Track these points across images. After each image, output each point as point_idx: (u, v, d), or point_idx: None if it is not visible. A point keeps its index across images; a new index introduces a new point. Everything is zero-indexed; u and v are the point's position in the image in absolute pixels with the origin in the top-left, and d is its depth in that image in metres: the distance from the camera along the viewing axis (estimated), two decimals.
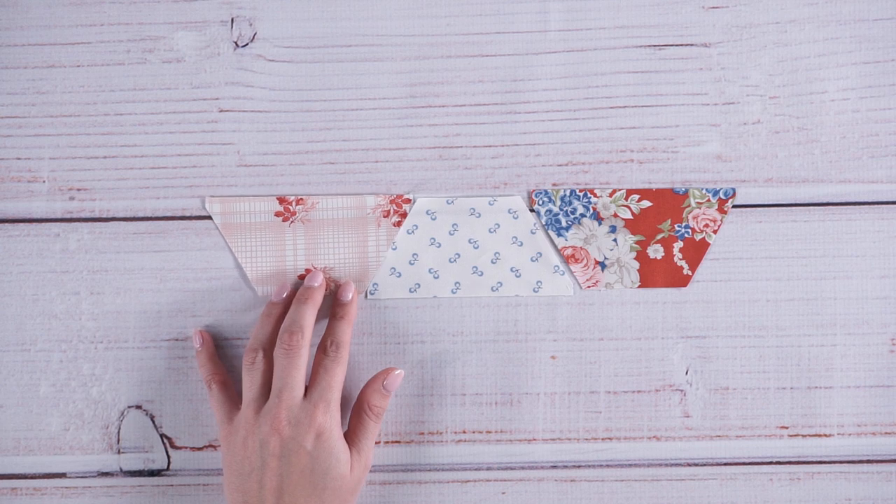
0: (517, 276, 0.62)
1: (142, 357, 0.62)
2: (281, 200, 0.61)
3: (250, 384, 0.57)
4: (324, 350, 0.58)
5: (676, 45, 0.62)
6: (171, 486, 0.62)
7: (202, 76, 0.61)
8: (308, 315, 0.58)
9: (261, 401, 0.57)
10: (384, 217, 0.61)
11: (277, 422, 0.55)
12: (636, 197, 0.62)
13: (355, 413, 0.59)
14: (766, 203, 0.62)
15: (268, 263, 0.61)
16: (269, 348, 0.58)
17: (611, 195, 0.62)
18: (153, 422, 0.62)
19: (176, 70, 0.61)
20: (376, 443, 0.62)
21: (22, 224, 0.61)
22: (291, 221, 0.61)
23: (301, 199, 0.61)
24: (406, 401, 0.62)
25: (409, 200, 0.61)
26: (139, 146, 0.61)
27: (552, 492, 0.62)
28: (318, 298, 0.59)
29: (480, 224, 0.62)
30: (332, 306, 0.60)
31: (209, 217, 0.61)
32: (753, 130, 0.62)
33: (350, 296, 0.60)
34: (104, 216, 0.61)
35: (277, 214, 0.61)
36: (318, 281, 0.60)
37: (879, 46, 0.61)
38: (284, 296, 0.60)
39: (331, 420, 0.56)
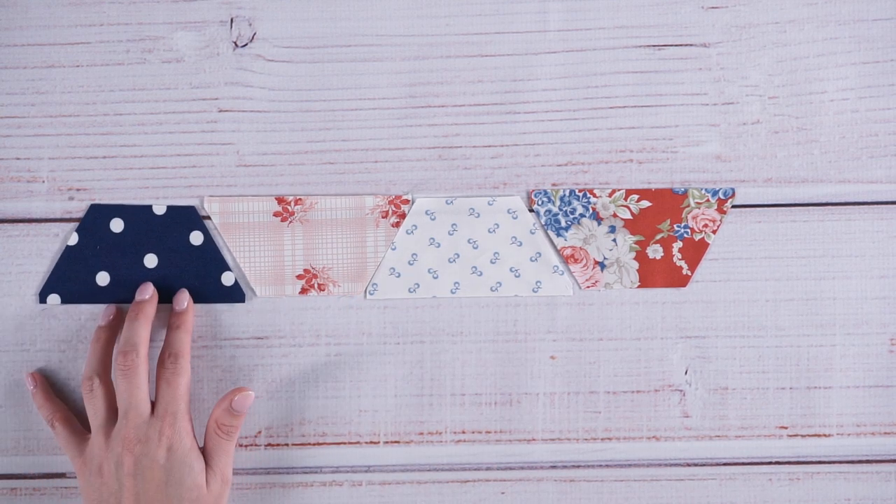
0: (516, 276, 0.62)
1: None
2: (279, 200, 0.61)
3: (94, 412, 0.57)
4: (162, 363, 0.58)
5: (676, 45, 0.62)
6: None
7: (201, 76, 0.61)
8: (140, 331, 0.57)
9: (109, 426, 0.57)
10: (383, 218, 0.61)
11: (128, 441, 0.55)
12: (635, 197, 0.62)
13: (207, 431, 0.58)
14: (765, 203, 0.62)
15: (266, 263, 0.61)
16: (103, 373, 0.58)
17: (610, 195, 0.62)
18: None
19: (175, 70, 0.61)
20: (374, 442, 0.62)
21: (22, 224, 0.61)
22: (290, 222, 0.61)
23: (300, 199, 0.61)
24: (406, 401, 0.62)
25: (407, 201, 0.61)
26: (139, 146, 0.61)
27: (552, 492, 0.62)
28: (149, 312, 0.59)
29: (480, 224, 0.62)
30: (169, 316, 0.60)
31: (208, 217, 0.61)
32: (753, 130, 0.62)
33: (185, 304, 0.60)
34: None
35: (276, 214, 0.61)
36: (149, 294, 0.59)
37: (879, 46, 0.61)
38: (111, 318, 0.60)
39: (180, 431, 0.56)
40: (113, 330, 0.59)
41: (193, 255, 0.60)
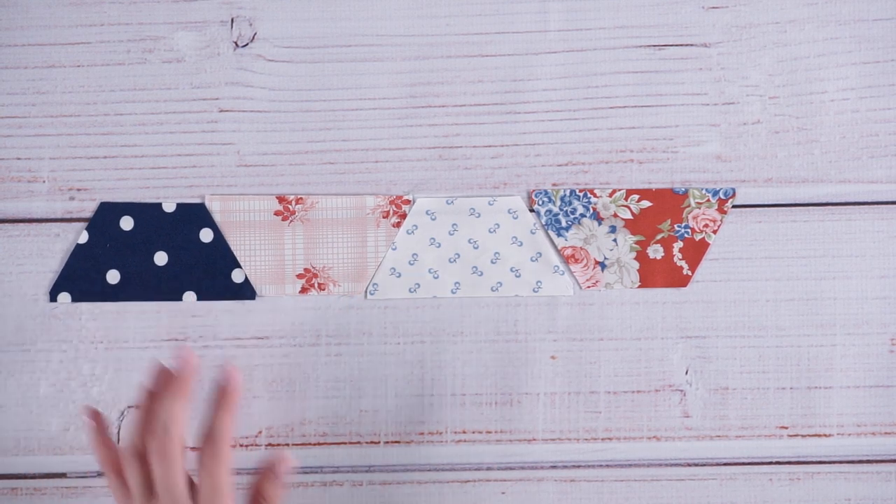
0: (517, 276, 0.62)
1: (142, 357, 0.62)
2: (280, 199, 0.61)
3: (134, 482, 0.52)
4: (202, 447, 0.52)
5: (676, 45, 0.62)
6: None
7: (202, 76, 0.61)
8: (178, 411, 0.51)
9: (147, 495, 0.51)
10: (384, 218, 0.61)
11: None
12: (636, 197, 0.62)
13: (251, 501, 0.53)
14: (765, 203, 0.62)
15: (267, 262, 0.61)
16: (141, 446, 0.51)
17: (611, 195, 0.62)
18: None
19: (176, 70, 0.61)
20: (375, 442, 0.62)
21: (22, 224, 0.61)
22: (291, 221, 0.61)
23: (301, 198, 0.61)
24: (406, 401, 0.62)
25: (408, 202, 0.61)
26: (139, 146, 0.61)
27: (552, 492, 0.62)
28: (189, 390, 0.51)
29: (480, 224, 0.62)
30: (211, 391, 0.53)
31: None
32: (753, 130, 0.62)
33: (232, 383, 0.52)
34: None
35: (277, 213, 0.61)
36: (191, 369, 0.52)
37: (879, 46, 0.61)
38: (159, 379, 0.52)
39: None
40: (156, 395, 0.52)
41: (203, 252, 0.60)
